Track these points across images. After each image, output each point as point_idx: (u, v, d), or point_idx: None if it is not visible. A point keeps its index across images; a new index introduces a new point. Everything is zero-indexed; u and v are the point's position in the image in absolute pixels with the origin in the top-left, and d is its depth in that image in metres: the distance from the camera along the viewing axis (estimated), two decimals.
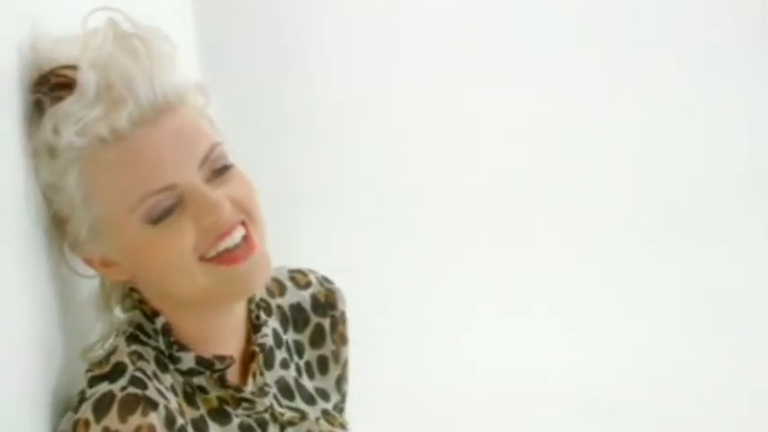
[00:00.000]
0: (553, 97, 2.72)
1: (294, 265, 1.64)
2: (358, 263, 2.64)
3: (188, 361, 1.42)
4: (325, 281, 1.62)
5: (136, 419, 1.32)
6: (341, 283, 1.65)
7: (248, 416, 1.46)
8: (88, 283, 1.48)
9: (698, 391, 2.72)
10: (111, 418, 1.32)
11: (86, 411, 1.33)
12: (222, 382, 1.45)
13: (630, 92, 2.72)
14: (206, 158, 1.38)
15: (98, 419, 1.32)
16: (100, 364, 1.40)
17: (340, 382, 1.62)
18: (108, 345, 1.44)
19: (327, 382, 1.60)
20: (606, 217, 2.75)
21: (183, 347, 1.43)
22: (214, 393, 1.45)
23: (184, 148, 1.36)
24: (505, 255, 2.74)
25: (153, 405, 1.34)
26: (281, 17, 2.68)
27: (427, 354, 2.71)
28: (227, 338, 1.47)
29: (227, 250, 1.38)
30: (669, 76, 2.72)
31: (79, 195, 1.36)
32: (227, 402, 1.45)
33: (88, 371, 1.40)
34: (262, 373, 1.49)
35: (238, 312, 1.48)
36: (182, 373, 1.43)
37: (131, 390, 1.34)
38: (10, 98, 1.35)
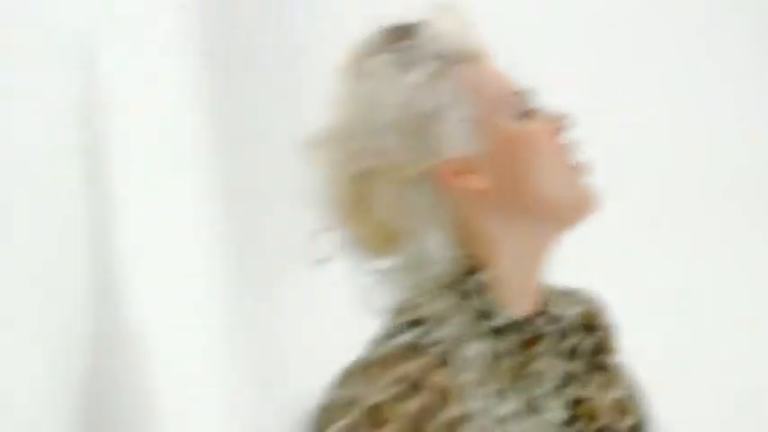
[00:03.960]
0: (553, 97, 2.72)
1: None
2: None
3: (503, 319, 1.44)
4: (589, 297, 1.62)
5: (435, 375, 1.35)
6: None
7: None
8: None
9: (698, 393, 2.73)
10: (407, 366, 1.35)
11: (386, 353, 1.37)
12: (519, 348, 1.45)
13: (630, 91, 2.74)
14: None
15: (391, 365, 1.35)
16: (407, 313, 1.41)
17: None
18: (422, 299, 1.43)
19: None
20: (605, 218, 2.75)
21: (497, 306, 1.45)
22: (509, 362, 1.44)
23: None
24: None
25: (445, 365, 1.36)
26: (281, 16, 2.69)
27: None
28: (526, 302, 1.48)
29: (580, 163, 1.49)
30: (669, 75, 2.73)
31: (449, 95, 1.44)
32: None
33: (396, 318, 1.42)
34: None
35: (540, 276, 1.51)
36: (494, 333, 1.43)
37: (432, 348, 1.37)
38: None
